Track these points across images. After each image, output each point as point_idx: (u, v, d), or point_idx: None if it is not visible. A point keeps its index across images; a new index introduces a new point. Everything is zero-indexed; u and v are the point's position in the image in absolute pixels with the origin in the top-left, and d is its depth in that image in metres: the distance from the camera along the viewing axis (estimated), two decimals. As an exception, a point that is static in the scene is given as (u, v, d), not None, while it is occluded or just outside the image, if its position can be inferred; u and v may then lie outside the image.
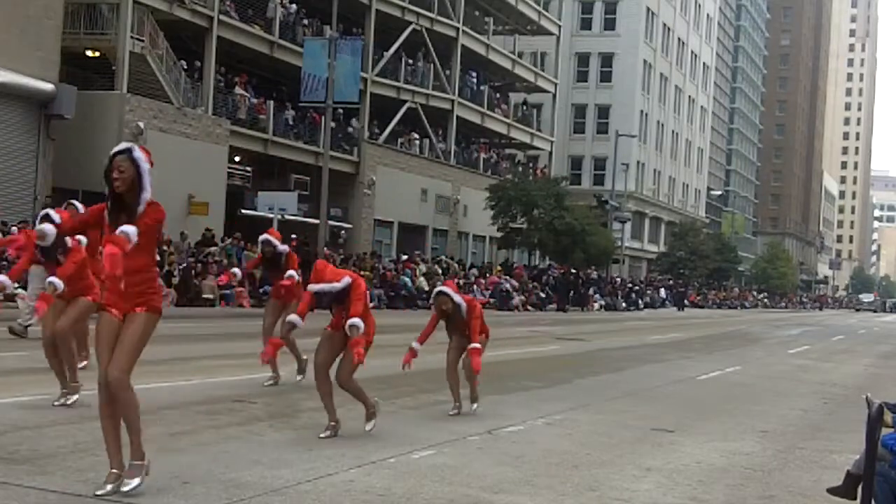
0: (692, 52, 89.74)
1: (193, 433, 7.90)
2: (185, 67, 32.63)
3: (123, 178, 5.86)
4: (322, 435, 8.05)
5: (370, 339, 8.23)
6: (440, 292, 9.84)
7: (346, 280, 8.04)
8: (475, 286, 42.30)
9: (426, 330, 9.84)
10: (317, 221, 34.21)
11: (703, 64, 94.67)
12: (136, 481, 5.70)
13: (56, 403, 8.73)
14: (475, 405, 10.19)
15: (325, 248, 34.01)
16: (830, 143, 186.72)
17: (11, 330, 14.02)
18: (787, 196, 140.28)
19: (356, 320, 7.88)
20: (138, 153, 5.88)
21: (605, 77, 74.39)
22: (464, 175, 50.64)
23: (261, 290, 29.00)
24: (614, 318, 42.10)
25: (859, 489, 5.36)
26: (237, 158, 35.57)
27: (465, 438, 8.57)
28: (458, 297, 9.68)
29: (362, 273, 34.74)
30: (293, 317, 8.19)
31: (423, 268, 39.28)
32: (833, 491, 5.95)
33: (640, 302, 59.40)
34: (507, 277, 45.10)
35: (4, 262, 22.36)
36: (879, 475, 5.20)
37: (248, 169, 36.13)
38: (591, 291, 52.85)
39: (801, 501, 7.16)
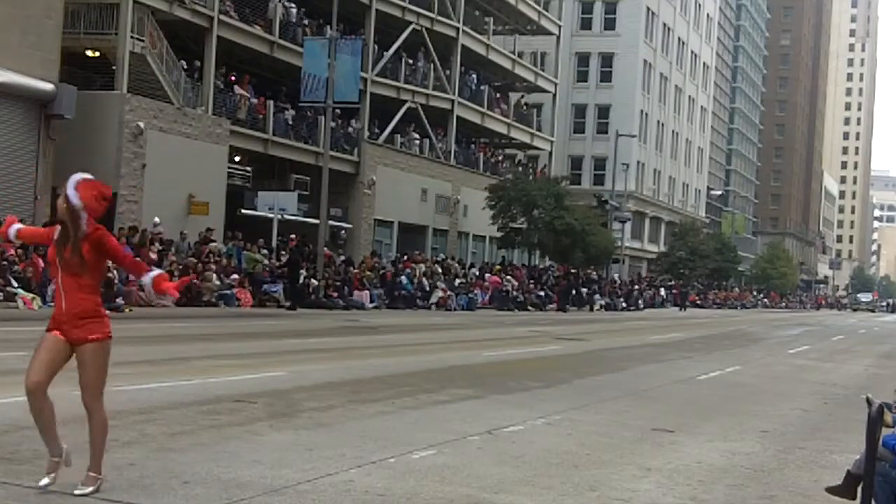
0: (692, 51, 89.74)
1: (193, 433, 7.89)
2: (185, 67, 32.62)
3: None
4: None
5: None
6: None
7: None
8: (476, 287, 42.38)
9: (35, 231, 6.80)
10: (317, 221, 34.22)
11: (703, 64, 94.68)
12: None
13: None
14: (88, 489, 5.66)
15: (325, 248, 34.04)
16: (830, 143, 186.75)
17: None
18: (787, 196, 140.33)
19: None
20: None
21: (605, 77, 74.39)
22: (464, 175, 50.64)
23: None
24: (614, 318, 42.09)
25: (859, 489, 5.36)
26: (237, 158, 35.57)
27: (465, 438, 8.57)
28: (76, 198, 5.64)
29: (366, 273, 34.92)
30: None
31: (421, 267, 39.27)
32: (832, 490, 5.94)
33: (640, 302, 59.41)
34: (509, 277, 45.15)
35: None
36: (880, 475, 5.19)
37: (248, 169, 36.14)
38: (590, 292, 52.87)
39: (801, 501, 7.16)
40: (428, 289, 37.78)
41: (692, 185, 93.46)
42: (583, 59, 74.30)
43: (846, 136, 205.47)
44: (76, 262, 5.68)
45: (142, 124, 29.67)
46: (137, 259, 5.96)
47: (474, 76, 52.47)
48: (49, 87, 26.54)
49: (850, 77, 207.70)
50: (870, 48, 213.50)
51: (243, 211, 35.13)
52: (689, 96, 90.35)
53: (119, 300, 22.81)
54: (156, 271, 6.06)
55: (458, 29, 48.82)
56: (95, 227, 5.76)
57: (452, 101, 49.00)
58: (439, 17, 46.97)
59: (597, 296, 53.48)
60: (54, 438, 5.82)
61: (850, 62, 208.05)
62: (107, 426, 5.89)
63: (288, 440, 7.90)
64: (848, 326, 49.22)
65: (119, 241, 26.97)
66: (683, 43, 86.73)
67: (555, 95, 63.25)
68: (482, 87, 53.13)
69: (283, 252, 32.73)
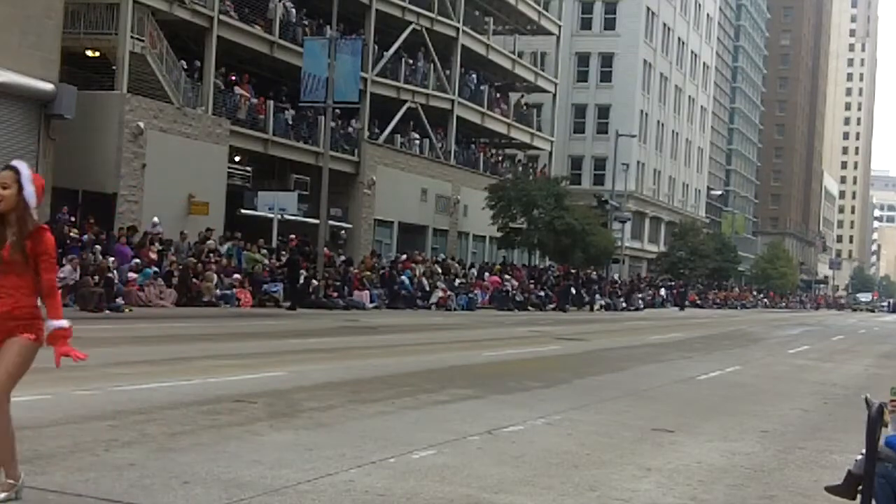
0: (692, 51, 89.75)
1: (193, 433, 7.89)
2: (185, 67, 32.62)
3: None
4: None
5: None
6: (7, 166, 5.56)
7: None
8: (476, 287, 42.37)
9: None
10: (317, 221, 34.23)
11: (703, 64, 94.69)
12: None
13: None
14: (9, 494, 5.40)
15: (325, 248, 34.03)
16: (830, 143, 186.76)
17: None
18: (787, 196, 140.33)
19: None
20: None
21: (605, 77, 74.41)
22: (464, 175, 50.64)
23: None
24: (614, 318, 42.08)
25: (859, 489, 5.36)
26: (237, 158, 35.58)
27: (465, 438, 8.56)
28: (32, 193, 5.38)
29: (366, 273, 34.91)
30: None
31: (421, 267, 39.26)
32: (832, 490, 5.93)
33: (640, 302, 59.41)
34: (509, 277, 45.16)
35: None
36: (881, 476, 5.19)
37: (248, 169, 36.15)
38: (590, 292, 52.87)
39: (801, 501, 7.16)
40: (428, 289, 37.78)
41: (692, 185, 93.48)
42: (583, 59, 74.32)
43: (846, 136, 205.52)
44: (18, 260, 5.18)
45: (142, 124, 29.67)
46: (59, 293, 5.42)
47: (474, 76, 52.47)
48: (49, 87, 26.52)
49: (850, 77, 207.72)
50: (870, 48, 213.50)
51: (243, 211, 35.13)
52: (689, 96, 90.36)
53: (119, 300, 22.81)
54: (62, 323, 5.29)
55: (458, 29, 48.82)
56: (41, 226, 5.32)
57: (452, 101, 49.01)
58: (439, 17, 46.98)
59: (597, 296, 53.48)
60: (13, 459, 5.44)
61: (850, 62, 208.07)
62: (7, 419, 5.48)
63: (288, 440, 7.90)
64: (848, 326, 49.21)
65: (119, 241, 26.60)
66: (683, 43, 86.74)
67: (555, 95, 63.26)
68: (482, 87, 53.14)
69: (283, 252, 32.74)
